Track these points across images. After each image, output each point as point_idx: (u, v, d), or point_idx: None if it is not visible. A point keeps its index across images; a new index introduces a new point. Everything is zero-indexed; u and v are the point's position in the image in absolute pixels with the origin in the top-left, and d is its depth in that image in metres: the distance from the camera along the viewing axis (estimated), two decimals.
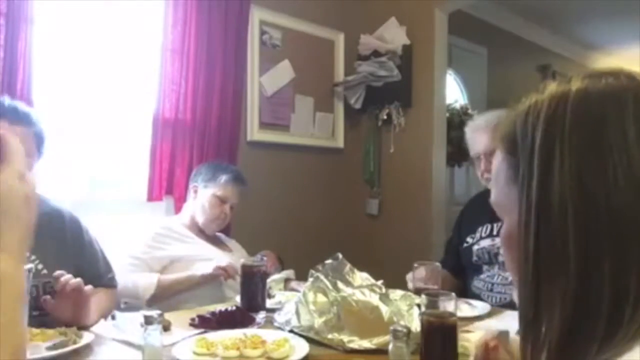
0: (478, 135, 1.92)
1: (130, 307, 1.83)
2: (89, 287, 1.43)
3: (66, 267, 1.54)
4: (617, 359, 0.48)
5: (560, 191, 0.52)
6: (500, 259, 1.86)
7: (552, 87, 0.57)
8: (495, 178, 0.62)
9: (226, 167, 2.22)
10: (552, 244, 0.52)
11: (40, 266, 1.47)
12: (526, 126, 0.56)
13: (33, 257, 1.46)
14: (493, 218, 1.86)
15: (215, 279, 1.90)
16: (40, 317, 1.38)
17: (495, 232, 1.93)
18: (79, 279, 1.42)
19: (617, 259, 0.50)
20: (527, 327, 0.56)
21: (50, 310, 1.40)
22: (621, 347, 0.48)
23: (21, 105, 1.53)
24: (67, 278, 1.39)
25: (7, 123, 1.42)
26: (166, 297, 1.88)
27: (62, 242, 1.57)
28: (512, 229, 0.58)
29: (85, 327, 1.38)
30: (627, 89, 0.54)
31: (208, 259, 1.99)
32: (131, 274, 1.90)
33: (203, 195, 2.12)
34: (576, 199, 0.51)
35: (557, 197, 0.52)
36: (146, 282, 1.87)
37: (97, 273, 1.65)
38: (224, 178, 2.11)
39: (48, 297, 1.41)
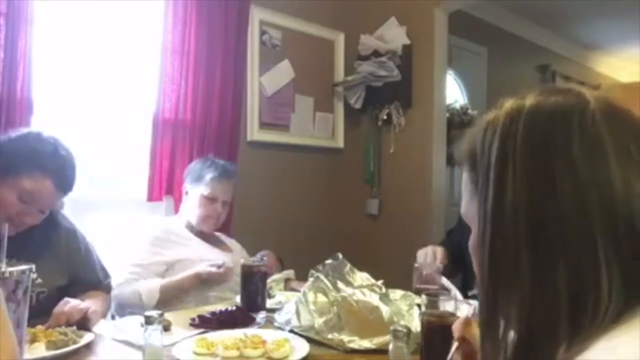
0: None
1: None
2: (92, 310, 1.44)
3: (60, 277, 1.54)
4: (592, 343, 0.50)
5: (513, 203, 0.55)
6: None
7: (508, 104, 0.60)
8: (463, 191, 0.66)
9: (211, 163, 2.13)
10: (506, 253, 0.56)
11: (34, 275, 1.46)
12: (484, 143, 0.60)
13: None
14: None
15: (213, 279, 1.87)
16: (39, 319, 1.38)
17: None
18: (81, 307, 1.41)
19: (571, 263, 0.52)
20: (485, 329, 0.59)
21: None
22: (589, 342, 0.50)
23: (71, 172, 1.53)
24: (70, 308, 1.38)
25: (53, 186, 1.46)
26: (171, 301, 1.85)
27: (57, 252, 1.57)
28: (474, 240, 0.62)
29: (85, 327, 1.38)
30: (574, 106, 0.57)
31: (209, 260, 1.99)
32: (134, 282, 1.86)
33: (193, 196, 2.09)
34: (527, 210, 0.54)
35: (510, 209, 0.55)
36: (149, 289, 1.84)
37: (97, 280, 1.66)
38: (209, 176, 2.06)
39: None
